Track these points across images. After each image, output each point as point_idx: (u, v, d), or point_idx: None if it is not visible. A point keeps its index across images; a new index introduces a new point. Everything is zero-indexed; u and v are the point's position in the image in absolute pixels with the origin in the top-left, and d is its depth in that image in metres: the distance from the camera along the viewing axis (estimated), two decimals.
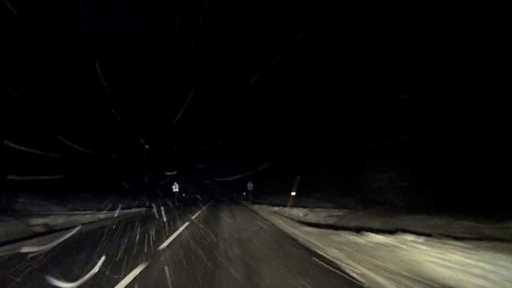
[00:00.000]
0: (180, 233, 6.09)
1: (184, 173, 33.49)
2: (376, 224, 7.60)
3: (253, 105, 30.08)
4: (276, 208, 12.75)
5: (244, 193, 32.94)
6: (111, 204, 15.09)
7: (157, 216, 10.30)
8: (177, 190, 23.21)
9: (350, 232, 5.30)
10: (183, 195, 32.55)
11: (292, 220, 8.71)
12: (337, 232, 5.34)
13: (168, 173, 26.37)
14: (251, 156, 35.14)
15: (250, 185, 23.89)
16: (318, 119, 16.53)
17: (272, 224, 7.95)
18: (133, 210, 13.22)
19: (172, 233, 5.95)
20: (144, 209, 14.80)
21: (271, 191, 26.82)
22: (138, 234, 5.78)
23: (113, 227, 7.30)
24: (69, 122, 16.87)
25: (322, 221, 9.83)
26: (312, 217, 10.25)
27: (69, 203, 13.25)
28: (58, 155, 15.10)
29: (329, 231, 5.59)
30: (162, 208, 16.55)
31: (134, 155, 23.02)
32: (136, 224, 7.80)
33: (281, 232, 6.29)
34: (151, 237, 5.45)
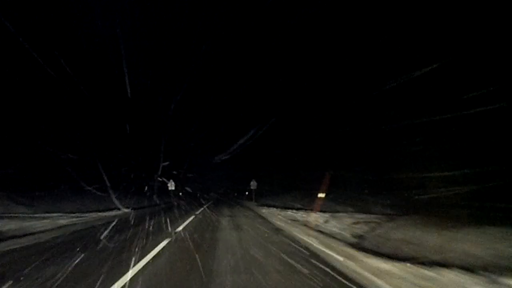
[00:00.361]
0: (144, 268, 3.65)
1: (182, 170, 31.45)
2: (435, 239, 5.44)
3: (257, 98, 27.98)
4: (289, 212, 10.47)
5: (247, 193, 30.79)
6: (91, 204, 13.02)
7: (134, 224, 8.03)
8: (173, 188, 21.10)
9: (481, 278, 2.82)
10: (180, 194, 30.44)
11: (334, 239, 5.90)
12: (449, 276, 2.96)
13: (164, 164, 24.22)
14: (253, 153, 33.03)
15: (253, 184, 21.71)
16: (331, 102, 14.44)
17: (306, 248, 5.05)
18: (112, 213, 11.07)
19: (130, 268, 3.59)
20: (128, 211, 12.63)
21: (275, 190, 24.63)
22: (62, 269, 3.57)
23: (50, 245, 5.27)
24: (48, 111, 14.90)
25: (348, 230, 7.69)
26: (334, 224, 8.10)
27: (39, 203, 11.19)
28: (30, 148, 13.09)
29: (430, 272, 3.13)
30: (149, 210, 14.42)
31: (126, 149, 20.94)
32: (92, 240, 5.54)
33: (341, 278, 3.27)
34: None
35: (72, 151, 15.08)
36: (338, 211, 9.82)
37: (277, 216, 9.27)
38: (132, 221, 8.65)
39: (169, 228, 7.19)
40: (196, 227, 7.65)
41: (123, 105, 20.88)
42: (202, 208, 16.06)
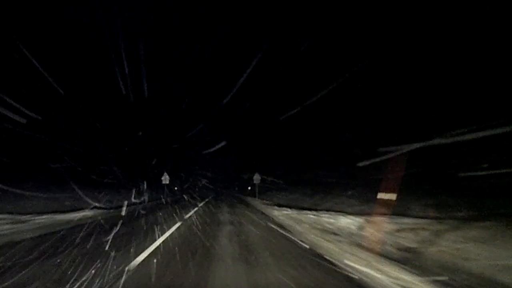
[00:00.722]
0: None
1: (179, 163, 29.37)
2: None
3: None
4: (311, 216, 7.98)
5: (249, 188, 28.75)
6: (64, 201, 10.95)
7: (83, 239, 5.38)
8: (167, 182, 19.03)
9: None
10: (175, 188, 28.37)
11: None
12: None
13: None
14: (255, 145, 30.94)
15: (257, 178, 19.62)
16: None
17: None
18: (71, 216, 8.76)
19: None
20: (96, 212, 10.38)
21: (280, 185, 22.55)
22: None
23: None
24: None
25: (391, 240, 5.62)
26: (372, 231, 6.01)
27: (6, 201, 9.12)
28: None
29: None
30: (128, 210, 12.24)
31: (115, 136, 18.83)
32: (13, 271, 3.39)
33: None
34: None
35: (47, 138, 13.01)
36: (368, 213, 7.70)
37: (301, 224, 6.71)
38: (86, 231, 6.19)
39: (136, 250, 4.60)
40: (178, 249, 4.83)
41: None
42: (196, 208, 13.76)
